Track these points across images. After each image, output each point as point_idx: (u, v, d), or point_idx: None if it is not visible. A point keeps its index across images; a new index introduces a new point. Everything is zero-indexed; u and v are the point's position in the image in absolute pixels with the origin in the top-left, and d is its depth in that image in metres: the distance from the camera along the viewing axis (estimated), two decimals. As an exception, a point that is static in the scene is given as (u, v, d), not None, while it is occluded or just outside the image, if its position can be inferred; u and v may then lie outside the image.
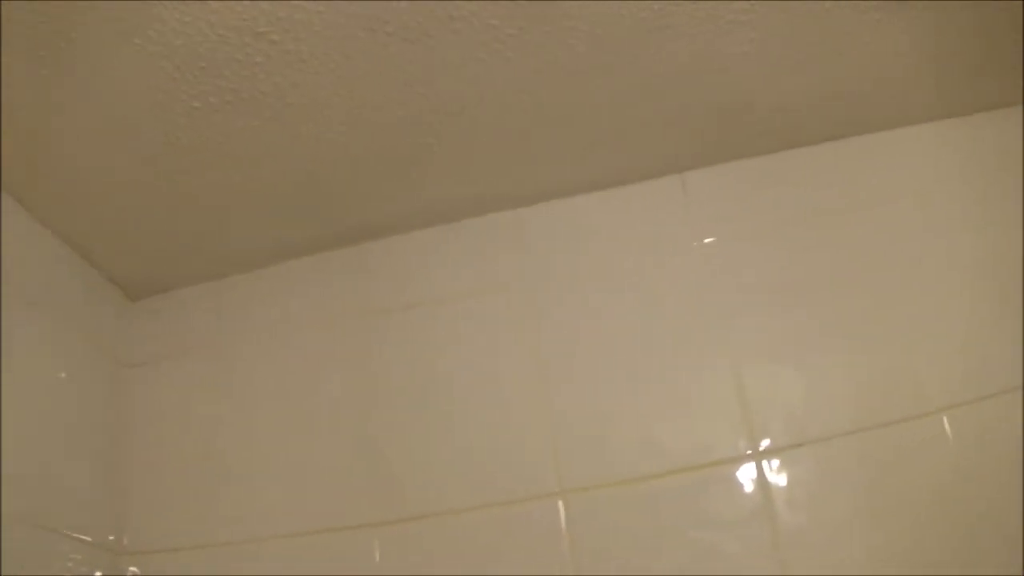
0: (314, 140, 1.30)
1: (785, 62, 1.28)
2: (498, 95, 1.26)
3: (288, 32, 1.12)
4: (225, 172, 1.35)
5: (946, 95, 1.41)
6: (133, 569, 1.42)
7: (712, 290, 1.41)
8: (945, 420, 1.26)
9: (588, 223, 1.49)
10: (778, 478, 1.28)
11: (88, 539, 1.39)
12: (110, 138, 1.27)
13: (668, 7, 1.15)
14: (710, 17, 1.18)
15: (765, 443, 1.30)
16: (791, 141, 1.47)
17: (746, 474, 1.28)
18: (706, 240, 1.45)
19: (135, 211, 1.43)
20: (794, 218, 1.44)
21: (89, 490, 1.43)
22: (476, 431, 1.38)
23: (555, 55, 1.21)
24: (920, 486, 1.23)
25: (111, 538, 1.44)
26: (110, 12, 1.07)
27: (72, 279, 1.50)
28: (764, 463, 1.29)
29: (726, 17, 1.18)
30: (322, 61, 1.16)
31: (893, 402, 1.28)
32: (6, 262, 1.35)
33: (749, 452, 1.30)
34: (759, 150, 1.48)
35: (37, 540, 1.28)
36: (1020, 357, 1.27)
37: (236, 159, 1.32)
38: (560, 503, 1.31)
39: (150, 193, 1.39)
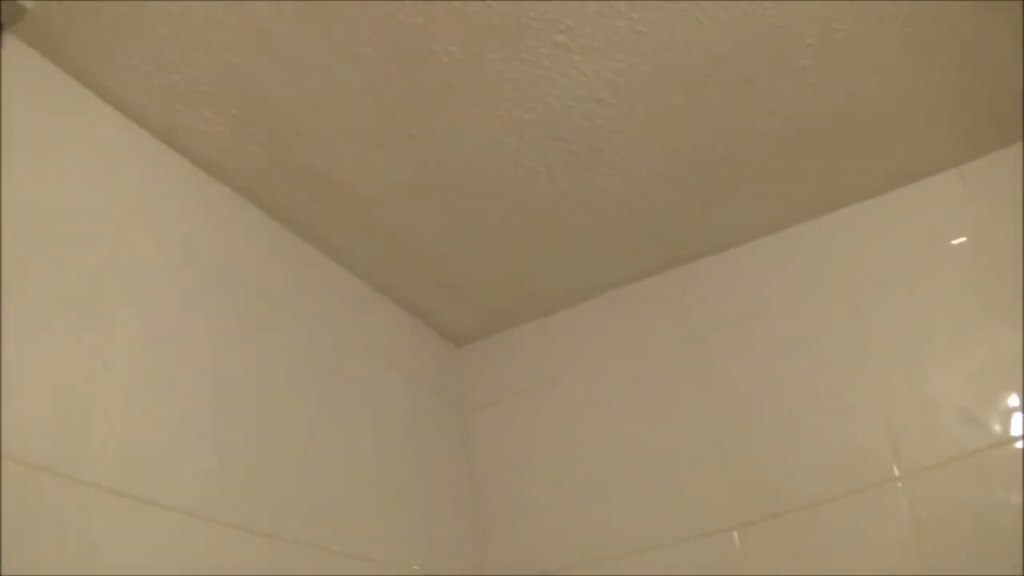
0: (641, 181, 1.46)
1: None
2: (802, 121, 1.39)
3: (623, 95, 1.29)
4: (558, 221, 1.53)
5: None
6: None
7: (999, 268, 1.46)
8: None
9: (888, 224, 1.57)
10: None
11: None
12: (452, 209, 1.49)
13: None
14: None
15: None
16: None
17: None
18: (993, 224, 1.50)
19: (463, 268, 1.64)
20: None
21: (447, 530, 1.61)
22: (818, 428, 1.48)
23: (852, 80, 1.32)
24: None
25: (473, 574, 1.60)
26: (464, 100, 1.27)
27: (406, 334, 1.70)
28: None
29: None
30: (653, 114, 1.33)
31: None
32: (359, 329, 1.56)
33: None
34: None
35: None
36: None
37: (569, 208, 1.50)
38: (900, 486, 1.40)
39: (479, 250, 1.59)
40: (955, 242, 1.52)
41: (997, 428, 1.39)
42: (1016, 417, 1.38)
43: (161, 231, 1.26)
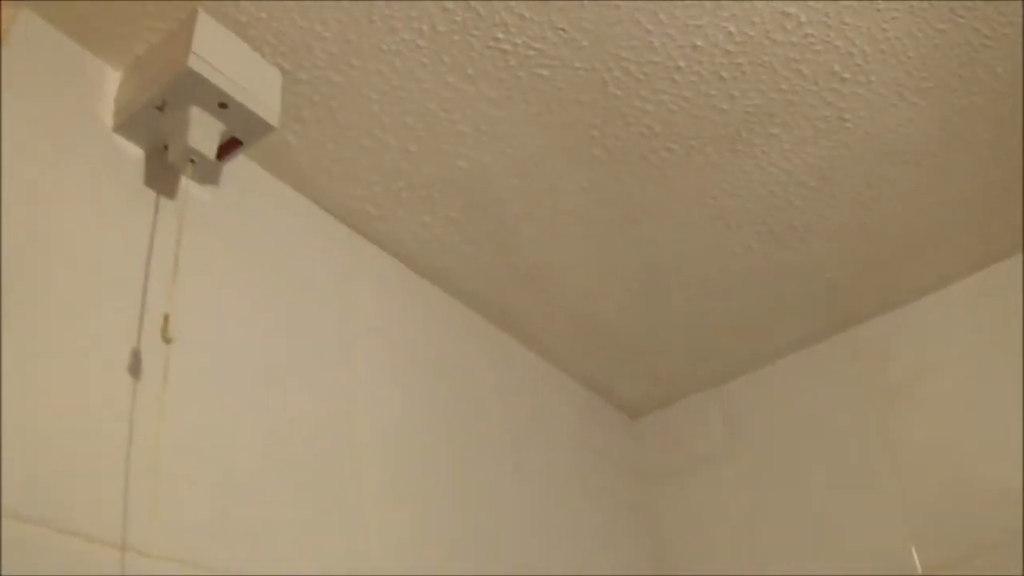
0: (823, 253, 1.53)
1: None
2: (971, 192, 1.47)
3: (825, 178, 1.37)
4: (745, 295, 1.61)
5: None
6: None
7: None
8: None
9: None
10: None
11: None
12: (650, 291, 1.57)
13: None
14: None
15: None
16: None
17: None
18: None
19: (647, 343, 1.70)
20: None
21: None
22: (997, 478, 1.51)
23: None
24: None
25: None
26: (676, 191, 1.36)
27: (585, 410, 1.77)
28: None
29: None
30: (847, 194, 1.41)
31: None
32: (547, 409, 1.62)
33: None
34: None
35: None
36: None
37: (756, 283, 1.58)
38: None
39: (665, 326, 1.66)
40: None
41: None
42: None
43: (385, 337, 1.34)
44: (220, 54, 1.07)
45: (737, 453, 1.76)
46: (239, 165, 1.20)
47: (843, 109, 1.27)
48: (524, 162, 1.28)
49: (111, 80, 1.13)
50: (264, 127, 1.10)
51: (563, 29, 1.12)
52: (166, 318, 0.98)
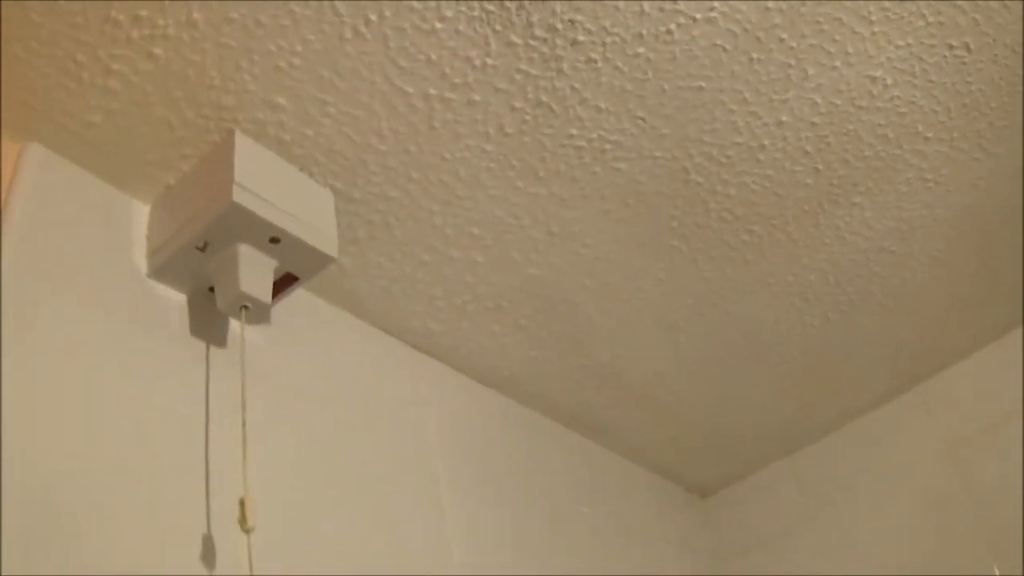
0: (897, 311, 1.43)
1: None
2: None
3: (905, 240, 1.29)
4: (820, 366, 1.51)
5: None
6: None
7: None
8: None
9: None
10: None
11: None
12: (726, 375, 1.47)
13: None
14: None
15: None
16: None
17: None
18: None
19: (719, 424, 1.59)
20: None
21: None
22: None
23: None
24: None
25: None
26: (757, 272, 1.27)
27: (656, 495, 1.66)
28: None
29: None
30: (927, 253, 1.33)
31: None
32: (618, 501, 1.52)
33: None
34: None
35: None
36: None
37: (831, 351, 1.48)
38: None
39: (739, 406, 1.55)
40: None
41: None
42: None
43: (458, 454, 1.23)
44: (265, 181, 0.94)
45: (814, 521, 1.65)
46: (290, 295, 1.06)
47: (925, 169, 1.19)
48: (598, 260, 1.17)
49: (139, 215, 0.99)
50: (322, 260, 0.97)
51: (642, 118, 1.02)
52: (242, 504, 0.84)
